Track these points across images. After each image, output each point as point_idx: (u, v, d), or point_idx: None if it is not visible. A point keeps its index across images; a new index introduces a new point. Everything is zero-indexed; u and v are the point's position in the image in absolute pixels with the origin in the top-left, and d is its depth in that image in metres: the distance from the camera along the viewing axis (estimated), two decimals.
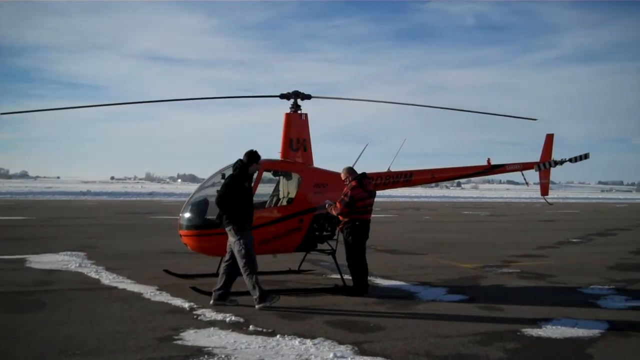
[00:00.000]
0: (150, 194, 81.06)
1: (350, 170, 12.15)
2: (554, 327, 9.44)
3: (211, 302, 10.61)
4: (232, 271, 10.80)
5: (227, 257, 10.86)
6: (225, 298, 10.72)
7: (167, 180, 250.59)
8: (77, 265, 14.73)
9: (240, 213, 10.64)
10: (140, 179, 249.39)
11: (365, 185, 11.92)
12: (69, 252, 17.01)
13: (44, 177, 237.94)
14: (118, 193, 78.56)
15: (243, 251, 10.52)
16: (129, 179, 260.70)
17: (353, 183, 11.85)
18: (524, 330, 9.24)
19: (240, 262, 10.56)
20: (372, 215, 12.26)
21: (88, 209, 41.74)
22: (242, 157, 10.97)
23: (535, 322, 9.70)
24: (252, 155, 11.02)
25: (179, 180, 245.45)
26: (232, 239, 10.65)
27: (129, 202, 55.62)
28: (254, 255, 10.69)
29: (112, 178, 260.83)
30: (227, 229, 10.67)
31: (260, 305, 10.37)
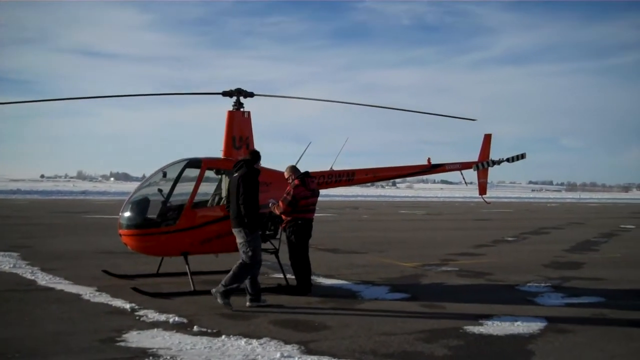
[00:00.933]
0: (83, 192, 79.52)
1: (293, 169, 12.13)
2: (494, 324, 9.61)
3: (247, 304, 10.57)
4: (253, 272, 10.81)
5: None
6: (258, 299, 10.72)
7: (100, 178, 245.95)
8: (11, 265, 14.32)
9: (257, 215, 10.66)
10: (72, 177, 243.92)
11: (308, 184, 11.92)
12: (1, 253, 16.51)
13: None
14: (49, 192, 76.76)
15: (250, 253, 10.50)
16: (60, 177, 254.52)
17: (296, 182, 11.83)
18: (466, 327, 9.38)
19: (242, 262, 10.53)
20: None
21: (19, 208, 40.63)
22: (239, 158, 11.17)
23: (477, 320, 9.87)
24: (257, 154, 11.16)
25: (112, 178, 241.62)
26: (240, 240, 10.59)
27: (61, 201, 54.37)
28: (258, 265, 10.69)
29: (42, 176, 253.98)
30: (236, 230, 10.61)
31: (219, 300, 10.35)
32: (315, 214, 12.29)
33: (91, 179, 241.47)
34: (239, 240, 10.61)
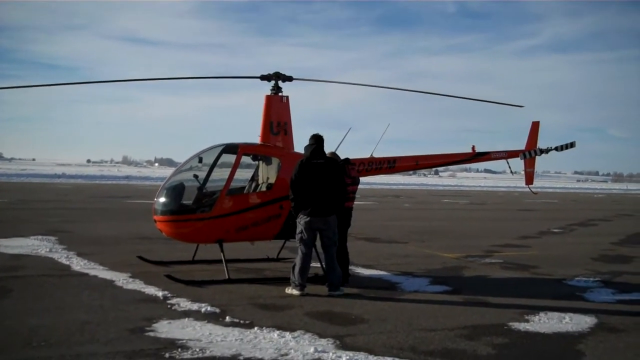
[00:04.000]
0: (127, 177, 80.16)
1: (332, 156, 11.71)
2: (541, 321, 9.13)
3: (295, 292, 10.48)
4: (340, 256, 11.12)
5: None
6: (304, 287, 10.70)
7: (144, 164, 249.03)
8: (48, 250, 14.21)
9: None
10: (117, 163, 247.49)
11: (348, 171, 11.51)
12: (39, 237, 16.46)
13: (19, 158, 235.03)
14: (93, 176, 77.60)
15: (336, 237, 10.90)
16: (106, 162, 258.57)
17: None
18: (511, 324, 8.90)
19: (333, 252, 10.83)
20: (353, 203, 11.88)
21: (62, 192, 40.97)
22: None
23: (523, 316, 9.39)
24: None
25: (156, 164, 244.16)
26: (334, 228, 10.74)
27: (104, 186, 54.84)
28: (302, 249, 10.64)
29: (89, 161, 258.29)
30: (330, 218, 10.68)
31: (336, 294, 10.55)
32: (356, 202, 11.92)
33: (136, 164, 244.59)
34: (332, 227, 10.69)
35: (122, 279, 11.09)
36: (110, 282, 10.86)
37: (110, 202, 33.12)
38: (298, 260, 10.55)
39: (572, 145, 15.61)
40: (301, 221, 10.54)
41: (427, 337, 8.06)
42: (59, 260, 12.99)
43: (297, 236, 10.65)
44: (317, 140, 10.79)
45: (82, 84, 14.60)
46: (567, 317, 9.43)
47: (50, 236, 16.65)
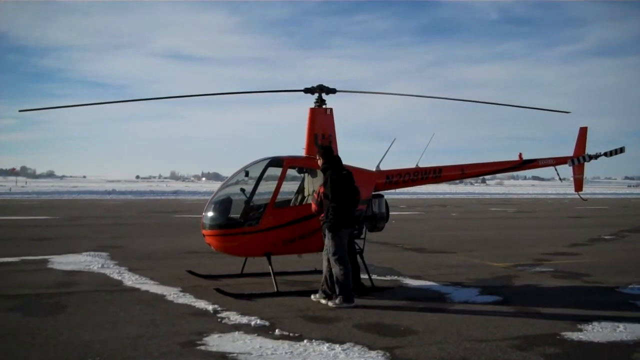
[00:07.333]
0: (175, 192, 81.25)
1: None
2: (595, 330, 8.96)
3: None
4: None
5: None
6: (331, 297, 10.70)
7: (192, 178, 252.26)
8: (100, 265, 14.49)
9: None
10: (165, 178, 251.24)
11: None
12: (92, 253, 16.81)
13: (70, 176, 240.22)
14: (143, 192, 78.90)
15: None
16: (154, 177, 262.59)
17: None
18: (563, 333, 8.76)
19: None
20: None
21: (112, 208, 41.71)
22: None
23: (575, 325, 9.23)
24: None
25: (204, 178, 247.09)
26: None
27: (153, 201, 55.66)
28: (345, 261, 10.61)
29: (138, 177, 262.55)
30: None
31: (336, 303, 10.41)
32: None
33: (184, 179, 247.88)
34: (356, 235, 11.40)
35: (172, 294, 11.25)
36: (162, 297, 11.02)
37: (159, 217, 33.59)
38: (341, 273, 10.53)
39: (621, 150, 15.32)
40: (342, 234, 10.57)
41: (477, 348, 7.99)
42: (111, 275, 13.24)
43: (340, 250, 10.62)
44: (328, 151, 11.08)
45: (129, 102, 14.87)
46: (622, 326, 9.24)
47: (102, 252, 16.99)
